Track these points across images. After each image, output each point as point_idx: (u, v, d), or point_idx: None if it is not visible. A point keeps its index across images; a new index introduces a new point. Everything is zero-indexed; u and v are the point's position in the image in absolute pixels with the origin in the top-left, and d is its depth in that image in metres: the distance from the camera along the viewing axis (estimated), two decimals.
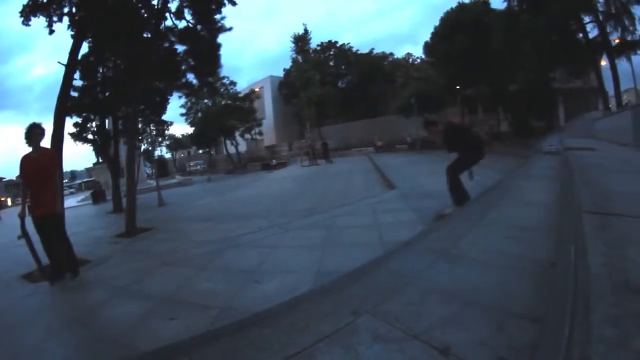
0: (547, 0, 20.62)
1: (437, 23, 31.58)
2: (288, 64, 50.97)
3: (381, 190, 10.26)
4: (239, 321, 3.01)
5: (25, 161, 4.69)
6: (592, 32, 23.46)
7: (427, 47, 32.69)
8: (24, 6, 7.45)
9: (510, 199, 5.70)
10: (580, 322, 1.37)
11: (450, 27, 29.03)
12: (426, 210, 6.51)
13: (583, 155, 7.27)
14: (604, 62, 24.31)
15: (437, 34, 30.98)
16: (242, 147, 50.05)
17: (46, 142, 6.77)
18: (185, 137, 54.09)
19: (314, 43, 47.36)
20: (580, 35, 23.56)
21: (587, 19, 23.08)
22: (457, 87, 30.49)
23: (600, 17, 22.50)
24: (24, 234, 4.76)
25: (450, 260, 3.39)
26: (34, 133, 4.66)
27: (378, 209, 7.27)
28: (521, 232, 3.84)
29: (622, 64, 23.27)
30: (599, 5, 22.21)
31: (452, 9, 30.40)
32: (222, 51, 10.47)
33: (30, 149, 4.75)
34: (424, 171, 13.92)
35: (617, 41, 22.73)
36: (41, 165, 4.61)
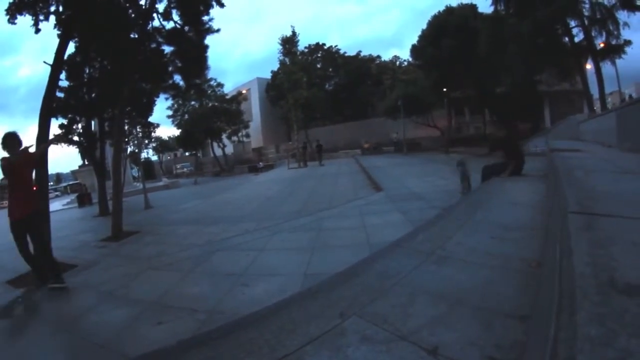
0: (533, 4, 20.93)
1: (423, 27, 32.08)
2: (274, 67, 50.96)
3: (368, 193, 10.29)
4: (226, 325, 2.99)
5: (5, 163, 4.62)
6: (578, 36, 23.92)
7: (415, 50, 33.03)
8: (10, 4, 7.34)
9: (497, 199, 5.75)
10: (565, 321, 1.38)
11: (438, 31, 29.45)
12: (413, 211, 6.56)
13: (568, 156, 7.37)
14: (589, 66, 24.77)
15: (425, 37, 31.35)
16: (229, 149, 49.90)
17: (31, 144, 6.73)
18: (172, 139, 53.66)
19: (301, 45, 47.37)
20: (566, 39, 23.95)
21: (573, 23, 23.48)
22: (444, 89, 30.73)
23: (586, 22, 22.90)
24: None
25: (438, 261, 3.41)
26: (7, 144, 4.68)
27: (365, 211, 7.30)
28: (508, 232, 3.87)
29: (606, 67, 23.82)
30: (584, 10, 22.60)
31: (440, 12, 30.86)
32: (209, 53, 10.46)
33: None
34: (410, 173, 14.01)
35: (602, 45, 23.16)
36: (17, 167, 4.59)
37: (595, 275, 1.65)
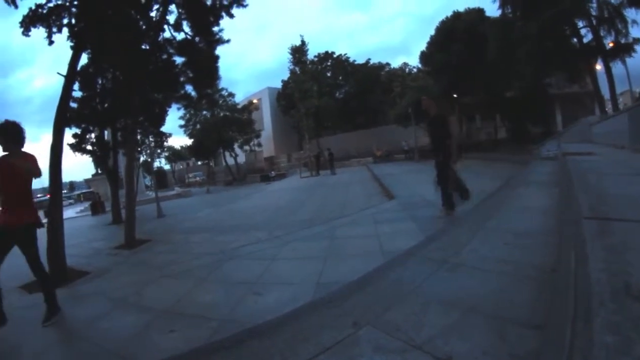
0: (540, 6, 20.74)
1: (430, 33, 32.05)
2: (283, 76, 51.32)
3: (380, 200, 10.22)
4: (239, 333, 2.98)
5: (2, 163, 3.93)
6: (587, 36, 23.48)
7: (424, 56, 32.99)
8: (24, 17, 7.52)
9: (510, 205, 5.70)
10: (581, 329, 1.36)
11: (446, 36, 29.36)
12: (426, 219, 6.49)
13: (581, 159, 7.28)
14: (599, 66, 24.40)
15: (433, 43, 31.26)
16: (241, 158, 50.14)
17: (45, 153, 6.66)
18: (184, 149, 54.13)
19: (310, 54, 47.69)
20: (575, 40, 23.60)
21: (580, 23, 23.13)
22: (454, 95, 30.56)
23: (594, 22, 22.60)
24: None
25: (451, 269, 3.38)
26: (7, 138, 3.94)
27: (378, 219, 7.24)
28: (521, 239, 3.83)
29: (617, 67, 23.32)
30: (592, 9, 22.30)
31: (447, 18, 30.80)
32: (220, 63, 10.56)
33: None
34: (422, 180, 13.87)
35: (611, 45, 22.74)
36: (19, 171, 3.90)
37: (610, 281, 1.63)
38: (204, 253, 6.57)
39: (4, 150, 3.95)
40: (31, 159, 4.01)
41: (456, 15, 30.47)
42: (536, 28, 20.71)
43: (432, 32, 31.85)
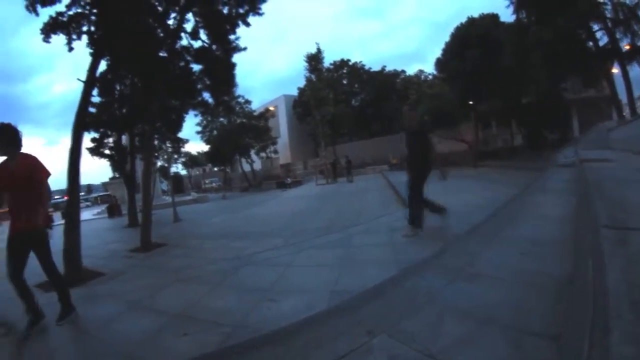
0: (555, 10, 20.42)
1: (445, 40, 31.70)
2: (298, 84, 51.48)
3: (396, 208, 10.11)
4: (252, 339, 2.99)
5: (1, 170, 3.84)
6: (602, 39, 22.90)
7: (439, 63, 32.70)
8: (45, 24, 7.68)
9: (526, 214, 5.61)
10: (598, 341, 1.34)
11: (461, 43, 29.05)
12: (441, 228, 6.42)
13: (599, 166, 7.14)
14: (615, 70, 23.85)
15: (448, 49, 30.99)
16: (257, 165, 50.41)
17: (64, 157, 6.87)
18: (201, 155, 54.65)
19: (326, 62, 47.86)
20: (590, 43, 23.07)
21: (596, 26, 22.62)
22: (470, 102, 30.31)
23: (609, 24, 22.11)
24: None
25: (467, 279, 3.34)
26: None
27: (393, 227, 7.16)
28: (538, 248, 3.77)
29: (634, 70, 22.68)
30: (607, 11, 21.77)
31: (462, 24, 30.45)
32: (236, 71, 10.66)
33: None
34: (438, 188, 13.80)
35: (627, 47, 22.19)
36: (20, 175, 3.78)
37: (629, 292, 1.59)
38: (219, 258, 6.59)
39: (1, 154, 3.84)
40: (32, 161, 3.93)
41: (470, 21, 30.14)
42: (551, 32, 20.35)
43: (447, 39, 31.61)
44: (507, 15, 26.10)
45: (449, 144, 33.81)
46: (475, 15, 30.45)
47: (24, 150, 3.96)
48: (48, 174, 4.01)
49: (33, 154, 3.98)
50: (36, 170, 3.89)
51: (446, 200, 9.42)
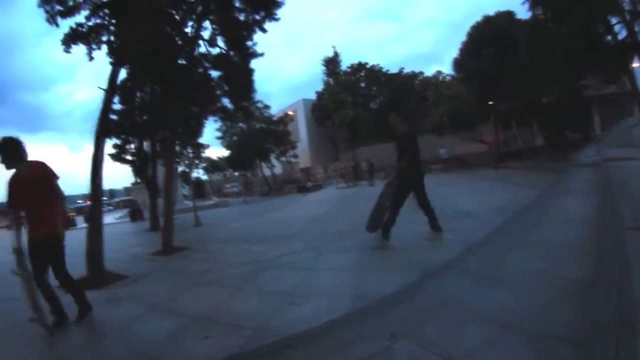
0: (570, 5, 19.85)
1: (461, 40, 31.32)
2: (314, 89, 51.44)
3: (418, 211, 10.02)
4: (274, 342, 3.00)
5: (15, 184, 3.88)
6: (621, 33, 21.80)
7: (456, 63, 32.29)
8: (65, 35, 7.85)
9: (549, 216, 5.51)
10: (625, 344, 1.27)
11: (477, 42, 28.71)
12: (464, 231, 6.32)
13: (622, 165, 6.95)
14: (636, 64, 23.05)
15: (465, 49, 30.63)
16: (278, 169, 50.60)
17: (87, 163, 7.00)
18: (222, 160, 55.16)
19: (343, 65, 47.81)
20: (609, 37, 22.29)
21: (614, 20, 21.91)
22: (490, 102, 29.85)
23: (627, 17, 21.35)
24: (21, 269, 3.82)
25: (489, 283, 3.31)
26: (8, 155, 3.82)
27: (416, 230, 7.06)
28: (560, 252, 3.70)
29: None
30: (624, 4, 21.02)
31: (478, 23, 30.02)
32: (254, 76, 10.71)
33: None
34: (460, 191, 13.63)
35: None
36: (33, 182, 3.84)
37: None
38: (240, 262, 6.60)
39: (7, 168, 3.86)
40: (40, 165, 3.97)
41: (486, 19, 29.66)
42: (568, 28, 19.82)
43: (463, 38, 31.22)
44: (523, 12, 25.53)
45: (469, 145, 33.38)
46: (491, 13, 29.96)
47: (40, 157, 4.07)
48: (56, 177, 4.03)
49: (40, 159, 4.04)
50: (45, 173, 3.94)
51: (466, 202, 9.30)
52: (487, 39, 27.64)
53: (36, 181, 3.85)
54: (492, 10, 30.35)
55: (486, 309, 2.80)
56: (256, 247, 8.12)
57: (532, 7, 23.46)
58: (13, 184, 3.89)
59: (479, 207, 8.60)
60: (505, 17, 28.41)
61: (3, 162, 3.82)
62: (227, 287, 5.12)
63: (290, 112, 52.18)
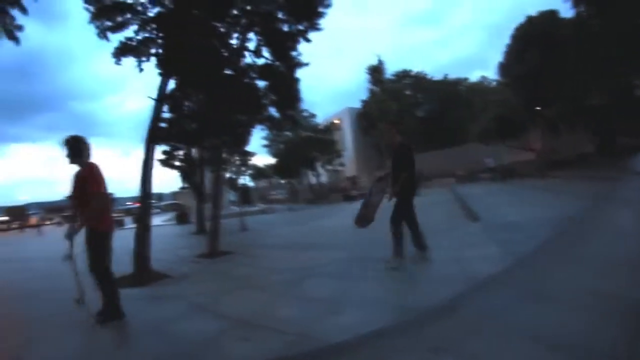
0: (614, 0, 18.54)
1: (505, 43, 30.08)
2: (358, 97, 51.12)
3: (464, 223, 9.74)
4: (313, 350, 3.01)
5: (73, 179, 4.31)
6: None
7: (501, 67, 31.08)
8: (115, 48, 8.28)
9: (600, 229, 5.22)
10: None
11: (521, 44, 27.52)
12: (511, 243, 6.06)
13: None
14: None
15: (509, 52, 29.42)
16: (324, 177, 50.83)
17: (136, 167, 7.45)
18: (268, 167, 56.08)
19: (387, 73, 47.48)
20: None
21: None
22: (537, 107, 28.50)
23: None
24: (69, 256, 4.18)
25: (536, 299, 3.20)
26: (75, 152, 4.26)
27: (462, 242, 6.90)
28: (613, 268, 3.52)
29: None
30: None
31: (521, 24, 28.74)
32: (300, 86, 10.85)
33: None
34: (508, 201, 13.15)
35: None
36: (82, 180, 4.18)
37: None
38: (284, 268, 6.63)
39: (70, 163, 4.27)
40: (90, 167, 4.26)
41: (529, 20, 28.27)
42: (613, 24, 18.55)
43: (507, 41, 29.95)
44: (566, 10, 24.22)
45: (516, 153, 32.04)
46: (533, 13, 28.52)
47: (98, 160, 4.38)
48: (101, 179, 4.24)
49: (97, 163, 4.34)
50: (91, 174, 4.21)
51: (513, 213, 8.94)
52: (531, 40, 26.45)
53: (84, 180, 4.16)
54: (533, 10, 29.05)
55: (532, 326, 2.70)
56: (300, 254, 8.19)
57: (575, 5, 22.22)
58: (72, 179, 4.28)
59: (527, 218, 8.27)
60: (548, 17, 27.02)
61: (67, 156, 4.23)
62: (269, 292, 5.19)
63: (336, 121, 52.37)
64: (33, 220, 54.00)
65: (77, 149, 4.26)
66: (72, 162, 4.26)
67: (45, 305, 5.35)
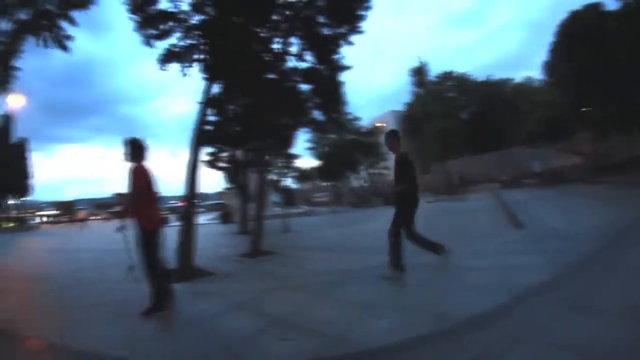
0: None
1: (548, 40, 28.72)
2: (400, 100, 50.45)
3: (507, 230, 9.40)
4: (351, 353, 3.02)
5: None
6: None
7: (546, 66, 29.73)
8: (160, 55, 8.61)
9: None
10: None
11: (567, 40, 26.13)
12: (556, 253, 5.81)
13: None
14: None
15: (554, 50, 28.06)
16: (367, 181, 50.63)
17: (182, 167, 7.78)
18: (311, 170, 56.45)
19: (430, 74, 46.64)
20: None
21: None
22: (586, 108, 26.96)
23: None
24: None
25: (581, 311, 3.09)
26: (135, 153, 4.65)
27: (504, 250, 6.72)
28: None
29: None
30: None
31: (565, 20, 27.23)
32: (344, 88, 10.90)
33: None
34: (554, 208, 12.61)
35: None
36: (129, 180, 4.46)
37: None
38: (326, 271, 6.64)
39: (126, 161, 4.60)
40: (135, 169, 4.54)
41: (573, 14, 26.70)
42: None
43: (551, 38, 28.57)
44: (611, 2, 22.66)
45: (564, 157, 30.40)
46: (577, 7, 26.91)
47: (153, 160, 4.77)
48: (143, 180, 4.56)
49: (145, 165, 4.68)
50: (134, 176, 4.51)
51: (560, 221, 8.55)
52: (576, 36, 25.08)
53: (130, 180, 4.45)
54: (577, 4, 27.35)
55: (576, 339, 2.60)
56: (342, 257, 8.19)
57: None
58: (127, 177, 4.53)
59: (574, 227, 7.91)
60: (593, 10, 25.57)
61: (125, 156, 4.60)
62: (310, 293, 5.22)
63: (380, 124, 52.02)
64: (81, 214, 57.45)
65: (135, 149, 4.62)
66: (130, 161, 4.58)
67: (93, 293, 5.84)
